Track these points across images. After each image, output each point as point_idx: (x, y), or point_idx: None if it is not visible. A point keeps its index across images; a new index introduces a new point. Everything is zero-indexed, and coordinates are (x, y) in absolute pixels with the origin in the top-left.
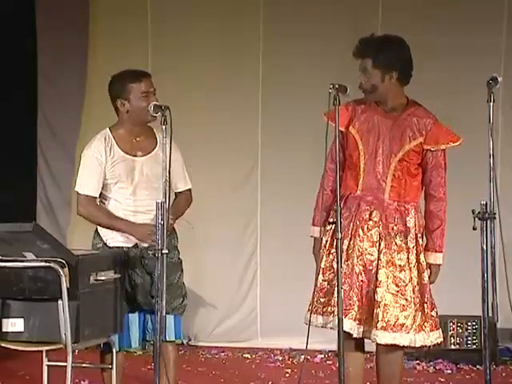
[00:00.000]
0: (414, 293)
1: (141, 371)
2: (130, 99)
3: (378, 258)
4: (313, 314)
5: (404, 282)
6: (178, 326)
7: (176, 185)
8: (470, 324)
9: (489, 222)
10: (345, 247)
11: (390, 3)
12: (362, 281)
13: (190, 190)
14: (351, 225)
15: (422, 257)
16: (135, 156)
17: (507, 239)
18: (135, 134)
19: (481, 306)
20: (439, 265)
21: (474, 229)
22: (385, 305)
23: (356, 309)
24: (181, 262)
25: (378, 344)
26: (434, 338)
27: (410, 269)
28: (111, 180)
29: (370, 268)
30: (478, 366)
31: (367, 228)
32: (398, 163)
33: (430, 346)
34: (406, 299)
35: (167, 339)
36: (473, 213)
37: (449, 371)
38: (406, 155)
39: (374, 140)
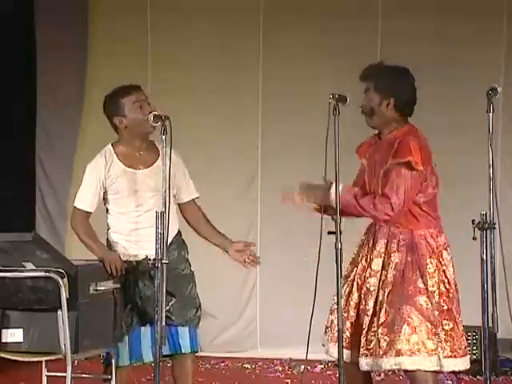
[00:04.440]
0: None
1: (141, 382)
2: (126, 114)
3: (370, 282)
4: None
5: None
6: (193, 338)
7: (180, 195)
8: (470, 334)
9: (489, 232)
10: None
11: (389, 5)
12: (362, 309)
13: (196, 198)
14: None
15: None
16: (138, 169)
17: (507, 249)
18: (137, 148)
19: (481, 316)
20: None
21: (474, 239)
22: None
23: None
24: (192, 273)
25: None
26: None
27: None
28: (114, 195)
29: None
30: (478, 377)
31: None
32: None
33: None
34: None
35: (183, 351)
36: (472, 223)
37: (449, 382)
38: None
39: (370, 167)
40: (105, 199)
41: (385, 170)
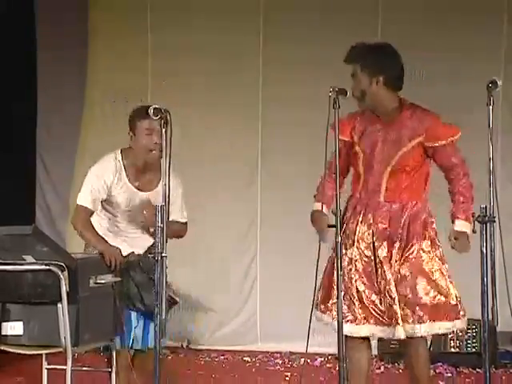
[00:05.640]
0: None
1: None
2: (136, 134)
3: (372, 259)
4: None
5: (391, 277)
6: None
7: (171, 215)
8: (469, 327)
9: (488, 225)
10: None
11: (389, 5)
12: (363, 283)
13: (185, 223)
14: (349, 227)
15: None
16: (140, 191)
17: (507, 243)
18: (142, 166)
19: (480, 309)
20: (464, 232)
21: (474, 232)
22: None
23: (357, 311)
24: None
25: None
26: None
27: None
28: (114, 204)
29: (369, 269)
30: (477, 370)
31: (362, 230)
32: (394, 166)
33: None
34: (391, 296)
35: (150, 346)
36: (472, 216)
37: (449, 374)
38: (404, 157)
39: (372, 146)
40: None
41: (434, 152)
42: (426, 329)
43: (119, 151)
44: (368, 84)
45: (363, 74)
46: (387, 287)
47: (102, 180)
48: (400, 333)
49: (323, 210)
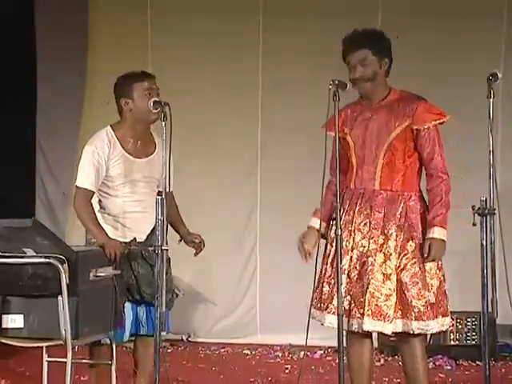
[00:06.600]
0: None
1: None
2: (134, 98)
3: (368, 248)
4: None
5: (390, 270)
6: (168, 320)
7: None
8: (469, 320)
9: (488, 217)
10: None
11: (389, 3)
12: (357, 274)
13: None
14: (345, 218)
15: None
16: (136, 158)
17: (507, 235)
18: (137, 135)
19: (480, 302)
20: (440, 239)
21: (474, 225)
22: (371, 293)
23: (346, 303)
24: (169, 259)
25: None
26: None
27: (400, 257)
28: (111, 178)
29: (363, 260)
30: (477, 362)
31: (358, 221)
32: (386, 152)
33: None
34: (390, 288)
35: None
36: (472, 209)
37: (448, 367)
38: (394, 142)
39: (363, 134)
40: None
41: (417, 136)
42: (418, 326)
43: (109, 127)
44: (379, 67)
45: (374, 58)
46: (371, 279)
47: (100, 156)
48: (367, 325)
49: (317, 226)
